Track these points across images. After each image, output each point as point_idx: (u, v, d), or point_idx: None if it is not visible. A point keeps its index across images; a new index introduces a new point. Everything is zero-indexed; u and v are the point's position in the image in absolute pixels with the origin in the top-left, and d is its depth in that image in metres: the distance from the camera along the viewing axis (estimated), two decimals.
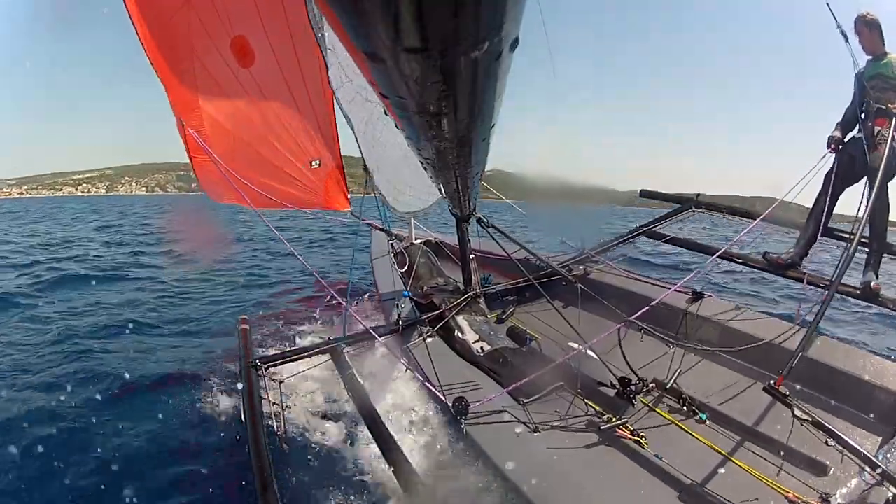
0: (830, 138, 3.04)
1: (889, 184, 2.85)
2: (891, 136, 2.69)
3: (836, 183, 3.00)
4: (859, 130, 2.95)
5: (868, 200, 2.71)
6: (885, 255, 2.93)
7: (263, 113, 3.94)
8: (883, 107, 2.79)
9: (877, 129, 2.83)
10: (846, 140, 3.03)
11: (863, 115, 2.93)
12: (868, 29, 2.83)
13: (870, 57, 2.92)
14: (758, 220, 3.22)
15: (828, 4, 2.87)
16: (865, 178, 2.83)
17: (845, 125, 3.05)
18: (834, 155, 3.04)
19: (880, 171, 2.69)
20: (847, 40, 2.89)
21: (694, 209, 3.84)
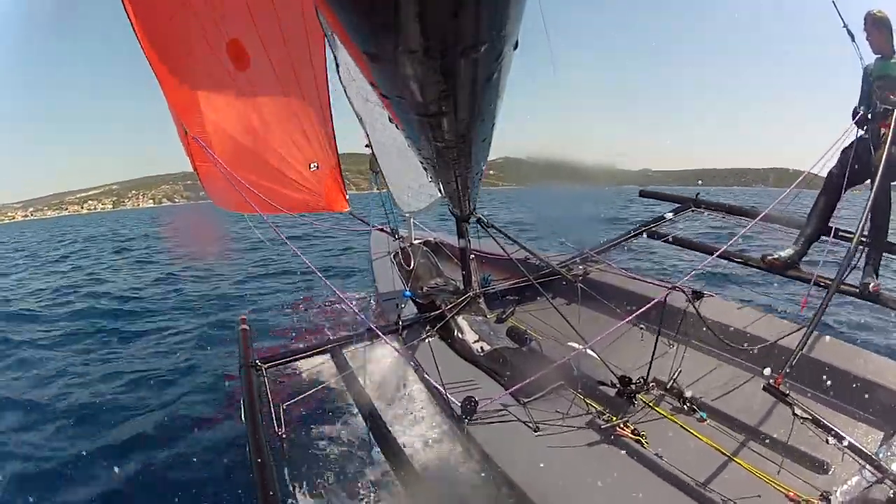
0: (855, 110, 2.92)
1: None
2: (891, 135, 2.67)
3: (839, 183, 2.98)
4: (866, 130, 2.91)
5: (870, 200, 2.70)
6: (884, 254, 2.93)
7: (261, 116, 3.93)
8: (889, 108, 2.75)
9: (882, 130, 2.79)
10: (851, 141, 2.99)
11: (869, 115, 2.88)
12: (876, 27, 2.77)
13: (878, 55, 2.86)
14: (757, 218, 3.22)
15: (833, 3, 2.84)
16: (870, 179, 2.82)
17: (859, 120, 2.97)
18: (854, 133, 2.93)
19: (880, 171, 2.67)
20: (854, 39, 2.84)
21: (693, 208, 3.85)
